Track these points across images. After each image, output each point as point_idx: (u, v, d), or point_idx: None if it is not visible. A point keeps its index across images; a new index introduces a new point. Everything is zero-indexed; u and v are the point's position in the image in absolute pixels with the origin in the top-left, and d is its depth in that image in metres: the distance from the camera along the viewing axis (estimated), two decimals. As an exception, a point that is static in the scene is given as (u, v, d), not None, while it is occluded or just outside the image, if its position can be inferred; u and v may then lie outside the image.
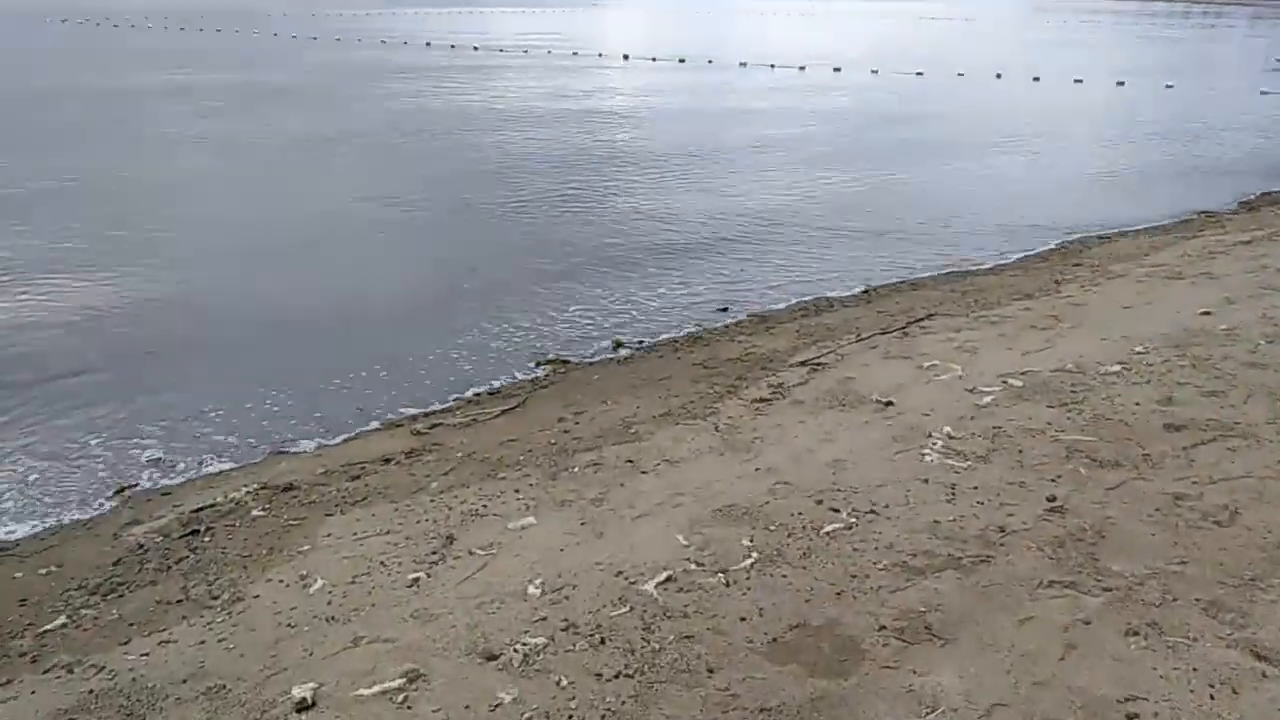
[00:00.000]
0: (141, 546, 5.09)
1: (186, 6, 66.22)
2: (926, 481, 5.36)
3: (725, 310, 9.51)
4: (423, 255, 11.15)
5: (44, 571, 4.86)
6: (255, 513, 5.45)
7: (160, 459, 6.27)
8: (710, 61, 37.87)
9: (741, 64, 37.21)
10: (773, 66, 36.45)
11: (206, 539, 5.16)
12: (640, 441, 6.26)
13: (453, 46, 42.53)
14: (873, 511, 5.04)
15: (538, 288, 9.88)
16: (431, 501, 5.49)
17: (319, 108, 22.95)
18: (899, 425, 6.21)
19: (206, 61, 33.48)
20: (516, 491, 5.57)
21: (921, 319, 8.74)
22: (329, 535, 5.14)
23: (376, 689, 3.81)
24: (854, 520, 4.95)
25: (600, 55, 40.39)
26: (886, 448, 5.86)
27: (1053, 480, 5.30)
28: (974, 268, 11.04)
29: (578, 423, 6.69)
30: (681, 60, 38.38)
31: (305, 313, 8.97)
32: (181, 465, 6.18)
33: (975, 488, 5.26)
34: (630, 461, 5.92)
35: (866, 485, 5.36)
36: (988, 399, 6.60)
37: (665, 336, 8.80)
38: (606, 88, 28.09)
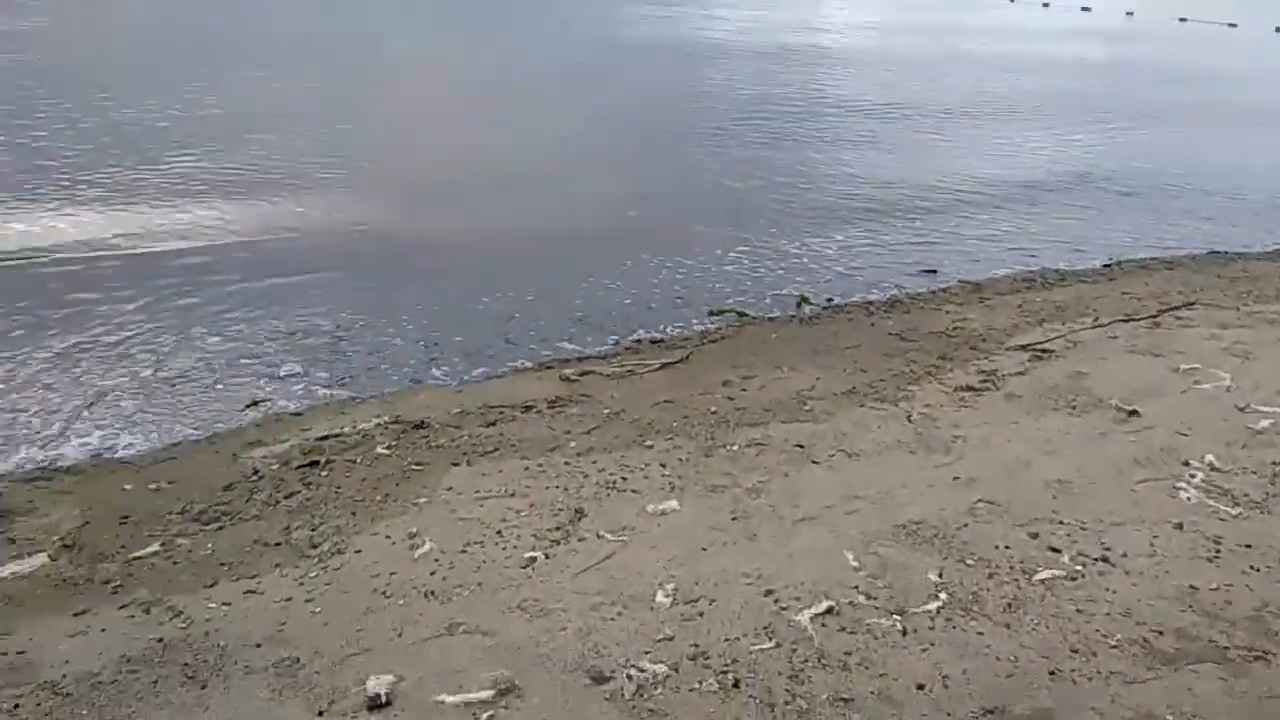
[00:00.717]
0: (257, 473, 4.71)
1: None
2: (1181, 527, 4.17)
3: (933, 274, 8.28)
4: (605, 189, 10.31)
5: (153, 487, 4.55)
6: (380, 450, 4.96)
7: (299, 375, 5.91)
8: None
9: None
10: (1045, 5, 33.02)
11: (324, 473, 4.71)
12: (815, 423, 5.33)
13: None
14: (1105, 559, 3.94)
15: (720, 232, 8.96)
16: (566, 465, 4.81)
17: (539, 31, 22.45)
18: (1145, 444, 4.97)
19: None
20: (663, 465, 4.80)
21: (1177, 307, 7.23)
22: (450, 489, 4.57)
23: (460, 698, 3.19)
24: (1079, 569, 3.87)
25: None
26: (1127, 473, 4.67)
27: (1363, 552, 3.99)
28: (1246, 250, 9.20)
29: (745, 389, 5.83)
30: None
31: (474, 242, 8.42)
32: (319, 387, 5.79)
33: (1248, 546, 4.03)
34: (800, 447, 5.02)
35: (1098, 521, 4.23)
36: (1265, 423, 5.21)
37: (858, 297, 7.73)
38: (835, 23, 26.13)
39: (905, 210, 9.97)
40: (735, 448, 5.00)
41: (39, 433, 5.07)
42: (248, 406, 5.52)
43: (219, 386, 5.72)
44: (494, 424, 5.32)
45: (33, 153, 9.94)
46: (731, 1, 29.73)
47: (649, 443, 5.07)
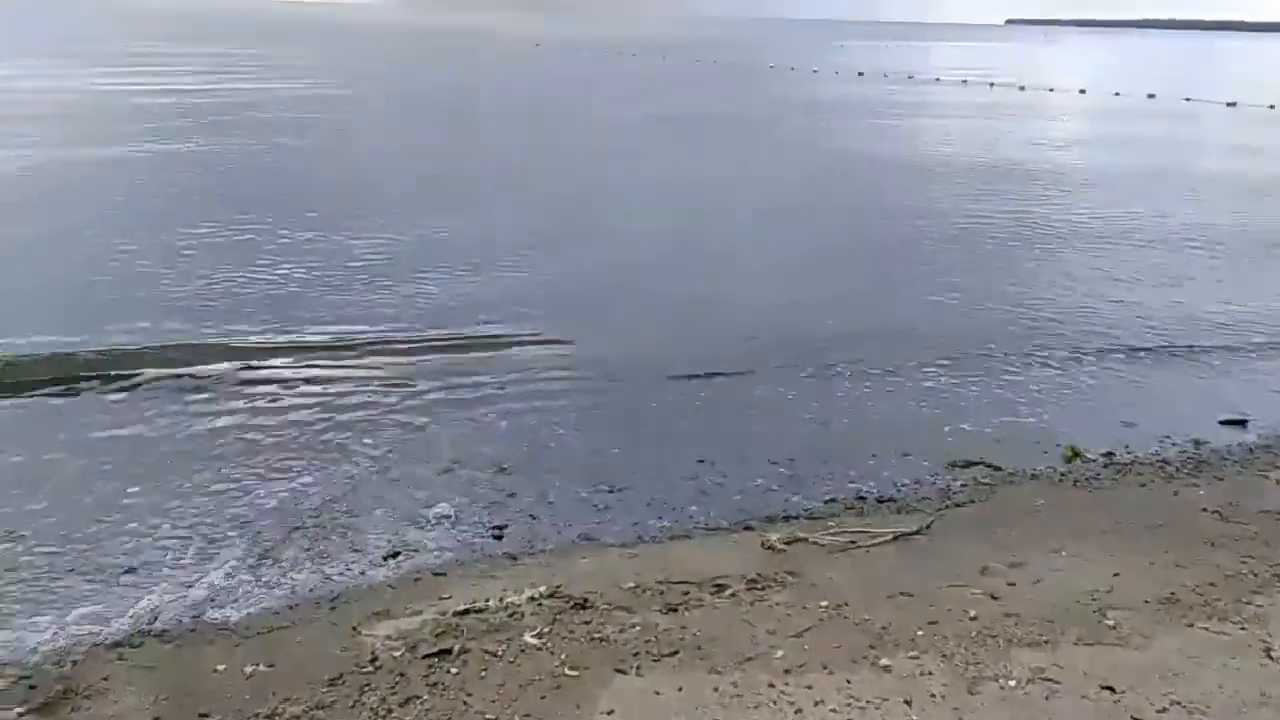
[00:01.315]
0: (374, 660, 3.70)
1: (682, 36, 71.17)
2: None
3: (1241, 425, 6.45)
4: (814, 316, 8.77)
5: (248, 671, 3.63)
6: (528, 638, 3.85)
7: (450, 519, 4.98)
8: (1187, 99, 32.00)
9: (1230, 104, 30.96)
10: (1272, 107, 29.88)
11: (454, 670, 3.64)
12: (1125, 648, 3.77)
13: (885, 75, 41.32)
14: None
15: (951, 360, 7.51)
16: (771, 688, 3.51)
17: (761, 143, 21.56)
18: None
19: (687, 91, 34.35)
20: (908, 704, 3.41)
21: None
22: (609, 713, 3.37)
23: None
24: None
25: (1051, 90, 36.25)
26: None
27: None
28: None
29: (1013, 583, 4.33)
30: (1151, 95, 32.96)
31: (669, 363, 7.28)
32: (471, 537, 4.82)
33: None
34: (1110, 690, 3.48)
35: None
36: None
37: (1145, 453, 6.04)
38: (1054, 136, 23.88)
39: (1186, 346, 8.13)
40: (1013, 683, 3.53)
41: (147, 580, 4.34)
42: (385, 558, 4.60)
43: (359, 529, 4.86)
44: (675, 610, 4.11)
45: (191, 268, 9.96)
46: (949, 111, 28.40)
47: (885, 661, 3.69)
